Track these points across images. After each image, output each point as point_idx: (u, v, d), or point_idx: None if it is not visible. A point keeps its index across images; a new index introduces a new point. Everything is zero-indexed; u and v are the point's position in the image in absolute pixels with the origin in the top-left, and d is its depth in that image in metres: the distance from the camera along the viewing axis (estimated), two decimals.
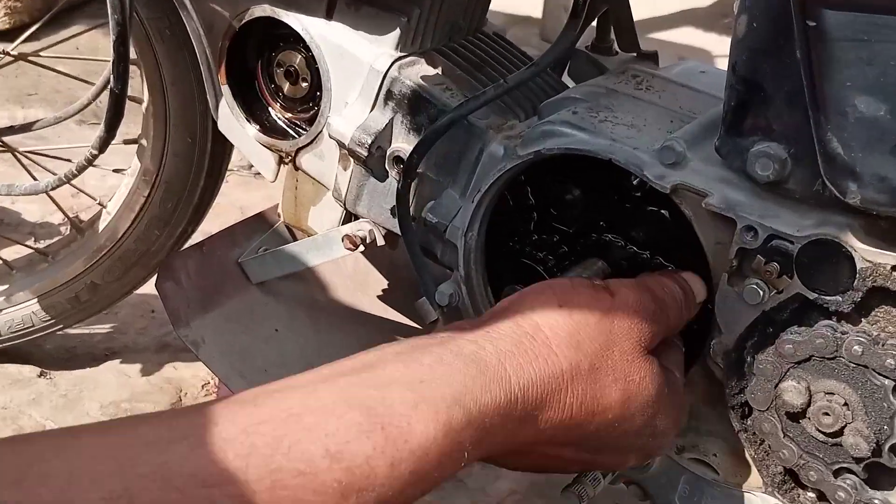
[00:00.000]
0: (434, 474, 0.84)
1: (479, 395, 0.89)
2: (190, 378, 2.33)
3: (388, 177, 1.45)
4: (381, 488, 0.79)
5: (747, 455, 1.22)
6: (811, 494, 1.19)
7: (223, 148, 1.86)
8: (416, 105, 1.40)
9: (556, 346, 0.99)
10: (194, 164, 1.83)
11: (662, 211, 1.26)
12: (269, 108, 1.60)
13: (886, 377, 1.06)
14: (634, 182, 1.27)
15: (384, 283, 1.91)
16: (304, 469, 0.76)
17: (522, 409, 0.93)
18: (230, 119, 1.60)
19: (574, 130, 1.24)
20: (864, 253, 1.03)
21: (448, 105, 1.38)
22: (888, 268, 1.03)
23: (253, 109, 1.61)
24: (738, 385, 1.18)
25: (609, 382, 1.01)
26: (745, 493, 1.25)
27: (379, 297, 1.89)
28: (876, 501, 1.13)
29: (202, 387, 2.36)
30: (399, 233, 1.41)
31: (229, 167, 1.97)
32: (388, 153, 1.43)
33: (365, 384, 0.85)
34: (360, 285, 1.89)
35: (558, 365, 0.98)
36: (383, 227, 1.52)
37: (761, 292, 1.10)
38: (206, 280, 1.71)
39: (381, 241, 1.54)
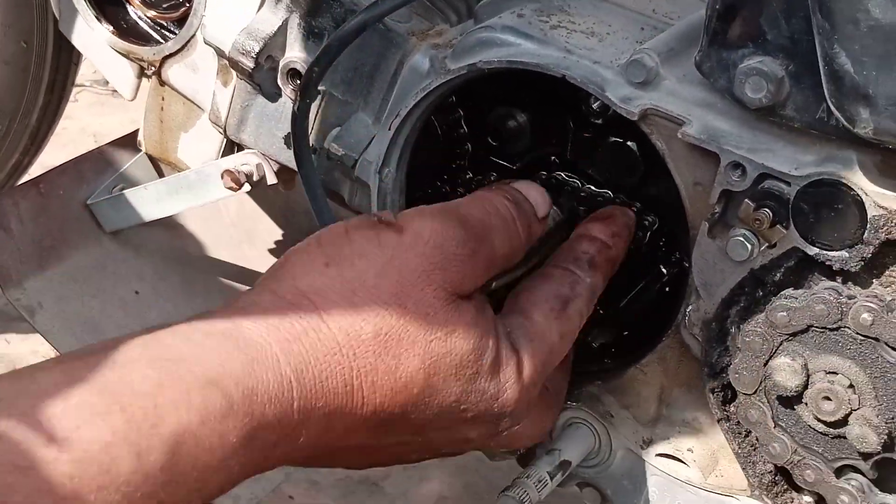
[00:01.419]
0: (193, 476, 0.83)
1: (240, 377, 0.88)
2: (28, 354, 2.31)
3: (280, 96, 1.44)
4: (126, 487, 0.77)
5: (730, 450, 1.25)
6: (808, 499, 1.22)
7: (69, 56, 1.83)
8: (317, 2, 1.38)
9: (327, 314, 0.98)
10: (30, 77, 1.80)
11: (629, 143, 1.26)
12: (127, 4, 1.57)
13: None
14: (594, 106, 1.27)
15: (277, 234, 1.90)
16: (20, 462, 0.73)
17: (301, 398, 0.93)
18: (75, 18, 1.57)
19: (519, 38, 1.23)
20: (878, 197, 1.05)
21: (358, 3, 1.37)
22: None
23: (105, 5, 1.57)
24: (719, 363, 1.19)
25: (404, 349, 1.00)
26: (726, 498, 1.27)
27: (270, 250, 1.88)
28: None
29: None
30: (295, 168, 1.40)
31: (78, 81, 1.94)
32: (280, 65, 1.41)
33: (93, 367, 0.82)
34: (245, 236, 1.88)
35: (331, 338, 0.97)
36: (275, 161, 1.50)
37: (749, 246, 1.12)
38: (45, 227, 1.68)
39: (272, 179, 1.52)
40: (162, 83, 1.56)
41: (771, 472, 1.22)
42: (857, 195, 1.05)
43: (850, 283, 1.10)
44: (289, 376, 0.92)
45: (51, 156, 1.99)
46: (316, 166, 1.38)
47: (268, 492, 1.76)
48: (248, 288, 1.81)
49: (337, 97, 1.39)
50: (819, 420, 1.14)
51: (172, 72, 1.54)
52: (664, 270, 1.32)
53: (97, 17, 1.57)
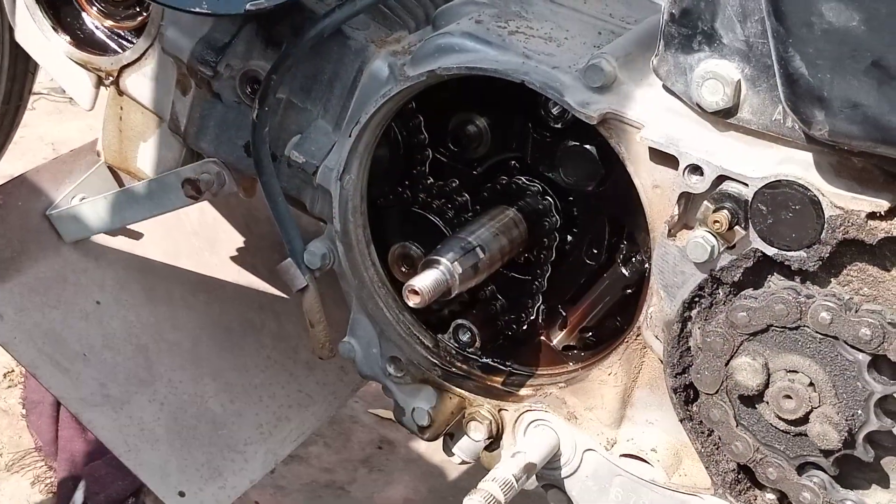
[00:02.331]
0: None
1: None
2: None
3: (240, 104, 1.43)
4: None
5: (693, 449, 1.25)
6: (770, 496, 1.23)
7: (25, 66, 1.81)
8: (275, 11, 1.37)
9: None
10: None
11: (588, 146, 1.26)
12: (84, 14, 1.56)
13: (861, 351, 1.09)
14: (554, 111, 1.28)
15: (239, 241, 1.89)
16: None
17: None
18: (31, 28, 1.56)
19: (477, 44, 1.23)
20: (834, 198, 1.06)
21: (316, 11, 1.36)
22: (863, 216, 1.05)
23: (62, 15, 1.56)
24: (681, 363, 1.20)
25: None
26: (690, 497, 1.27)
27: (233, 258, 1.87)
28: (849, 503, 1.16)
29: (4, 376, 2.32)
30: (256, 176, 1.40)
31: (35, 89, 1.92)
32: (239, 73, 1.41)
33: None
34: (207, 244, 1.87)
35: None
36: (235, 169, 1.49)
37: (709, 247, 1.12)
38: (4, 238, 1.67)
39: (232, 187, 1.52)
40: (120, 93, 1.54)
41: (734, 470, 1.22)
42: (814, 195, 1.06)
43: (808, 282, 1.11)
44: None
45: (9, 165, 1.97)
46: (277, 174, 1.37)
47: (233, 498, 1.75)
48: (209, 295, 1.81)
49: (297, 105, 1.38)
50: (780, 418, 1.15)
51: (131, 81, 1.53)
52: (625, 273, 1.33)
53: (54, 28, 1.56)
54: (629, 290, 1.31)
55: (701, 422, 1.21)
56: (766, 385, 1.14)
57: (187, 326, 1.78)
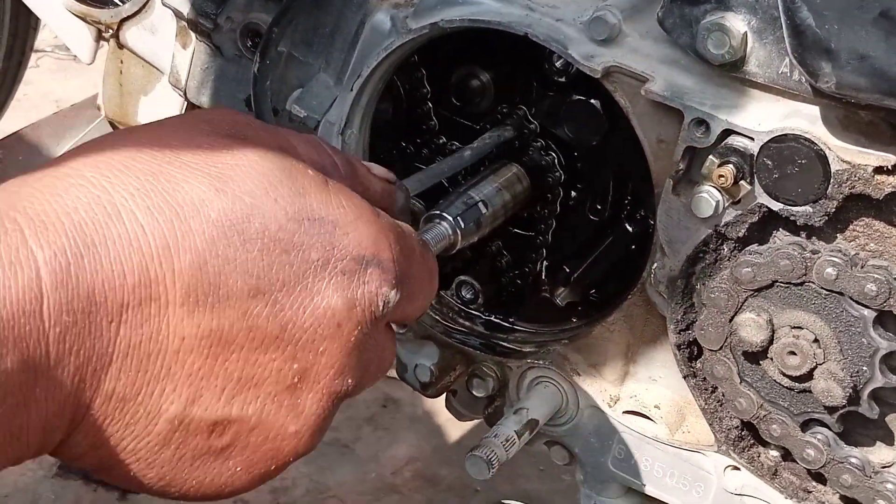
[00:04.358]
0: None
1: None
2: None
3: (241, 57, 1.42)
4: None
5: (697, 406, 1.25)
6: (774, 453, 1.23)
7: (27, 21, 1.81)
8: None
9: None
10: None
11: (592, 101, 1.26)
12: None
13: (866, 307, 1.08)
14: (558, 64, 1.27)
15: None
16: None
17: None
18: None
19: None
20: (841, 152, 1.05)
21: None
22: (869, 170, 1.04)
23: None
24: (684, 319, 1.19)
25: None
26: (693, 453, 1.28)
27: None
28: (853, 460, 1.16)
29: None
30: None
31: (40, 47, 1.92)
32: (240, 26, 1.40)
33: None
34: None
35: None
36: None
37: (714, 202, 1.11)
38: None
39: None
40: (120, 46, 1.54)
41: (737, 427, 1.22)
42: (821, 150, 1.05)
43: (814, 237, 1.10)
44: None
45: (13, 122, 1.97)
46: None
47: None
48: None
49: (298, 58, 1.37)
50: (784, 375, 1.14)
51: (131, 34, 1.53)
52: (629, 228, 1.32)
53: None
54: (633, 247, 1.31)
55: (704, 378, 1.21)
56: (771, 341, 1.14)
57: None
